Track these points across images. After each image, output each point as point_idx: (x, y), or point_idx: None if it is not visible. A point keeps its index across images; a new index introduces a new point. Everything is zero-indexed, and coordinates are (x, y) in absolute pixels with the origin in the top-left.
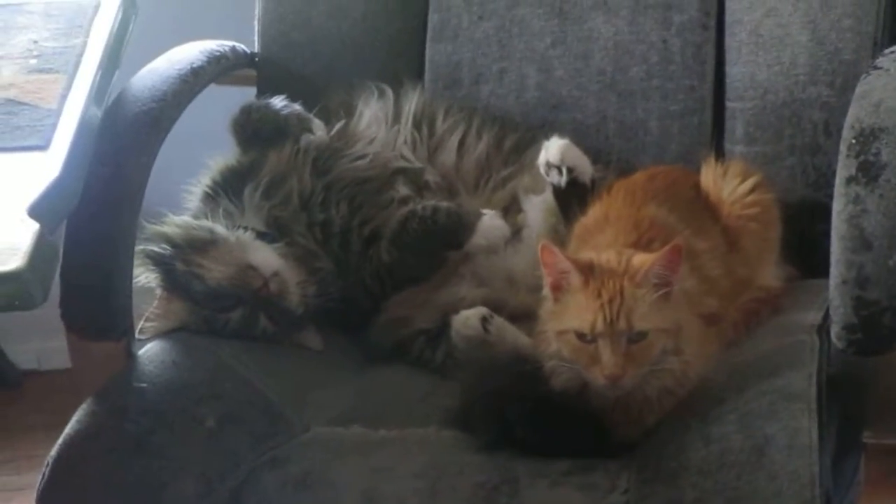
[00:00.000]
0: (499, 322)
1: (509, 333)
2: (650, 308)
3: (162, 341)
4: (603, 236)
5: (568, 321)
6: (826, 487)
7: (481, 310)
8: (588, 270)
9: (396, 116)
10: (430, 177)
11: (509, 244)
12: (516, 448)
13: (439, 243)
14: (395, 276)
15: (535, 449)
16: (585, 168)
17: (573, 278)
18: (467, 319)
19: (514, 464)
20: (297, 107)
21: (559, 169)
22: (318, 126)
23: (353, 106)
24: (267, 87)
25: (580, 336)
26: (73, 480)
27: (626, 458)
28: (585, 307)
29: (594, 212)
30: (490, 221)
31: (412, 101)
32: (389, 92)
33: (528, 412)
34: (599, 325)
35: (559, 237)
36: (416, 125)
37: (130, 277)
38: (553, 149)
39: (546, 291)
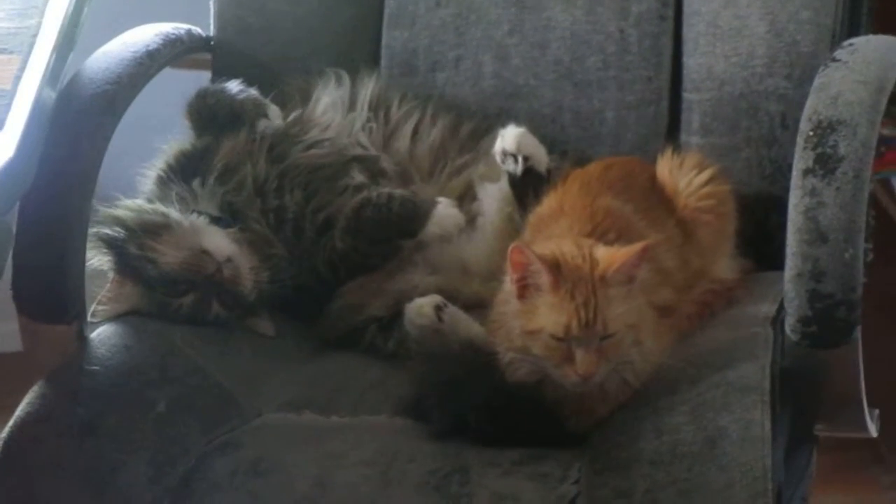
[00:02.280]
0: (452, 311)
1: (463, 322)
2: (620, 307)
3: (114, 325)
4: (558, 226)
5: (539, 322)
6: (778, 480)
7: (435, 298)
8: (556, 269)
9: (352, 103)
10: (386, 164)
11: (464, 232)
12: (468, 437)
13: (393, 231)
14: (348, 263)
15: (487, 438)
16: (541, 157)
17: (543, 278)
18: (421, 308)
19: (465, 452)
20: (253, 92)
21: (515, 157)
22: (274, 112)
23: (309, 92)
24: (223, 72)
25: (553, 337)
26: (23, 463)
27: (577, 449)
28: (559, 309)
29: (549, 201)
30: (444, 210)
31: (368, 88)
32: (346, 78)
33: (480, 401)
34: (575, 329)
35: (514, 226)
36: (373, 112)
37: (83, 260)
38: (509, 137)
39: (509, 288)
